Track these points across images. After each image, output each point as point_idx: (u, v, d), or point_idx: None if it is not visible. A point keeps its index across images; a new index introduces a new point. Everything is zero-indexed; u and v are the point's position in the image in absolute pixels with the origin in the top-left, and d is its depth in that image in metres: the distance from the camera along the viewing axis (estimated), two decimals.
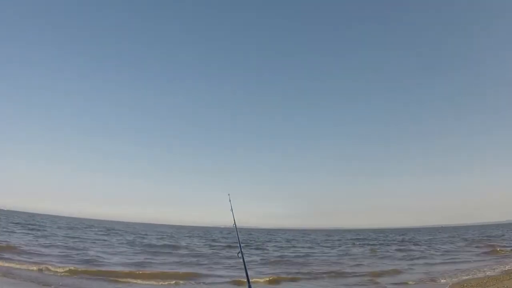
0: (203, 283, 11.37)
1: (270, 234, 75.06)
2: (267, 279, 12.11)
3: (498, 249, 23.13)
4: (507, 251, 21.98)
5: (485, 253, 21.90)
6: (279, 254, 22.85)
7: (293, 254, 22.53)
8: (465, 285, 10.37)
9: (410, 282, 11.58)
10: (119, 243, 25.77)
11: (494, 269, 14.23)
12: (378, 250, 25.74)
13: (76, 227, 50.22)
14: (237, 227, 4.30)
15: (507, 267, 14.75)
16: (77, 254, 16.59)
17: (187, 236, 46.57)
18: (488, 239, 37.71)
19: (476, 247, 27.28)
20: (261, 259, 18.78)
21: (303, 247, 30.53)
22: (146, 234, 44.97)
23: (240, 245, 4.14)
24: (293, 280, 12.37)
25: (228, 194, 4.77)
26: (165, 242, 30.12)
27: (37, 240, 22.10)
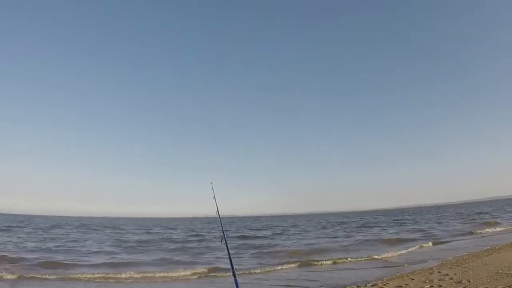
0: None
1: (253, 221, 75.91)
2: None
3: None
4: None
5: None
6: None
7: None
8: (444, 262, 10.78)
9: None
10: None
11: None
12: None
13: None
14: (220, 215, 4.33)
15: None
16: None
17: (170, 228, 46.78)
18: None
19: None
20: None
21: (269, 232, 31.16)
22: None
23: (223, 232, 4.17)
24: None
25: (211, 183, 4.78)
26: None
27: None
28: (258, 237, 27.65)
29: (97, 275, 10.74)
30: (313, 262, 13.08)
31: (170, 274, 11.01)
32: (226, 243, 3.99)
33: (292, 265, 12.63)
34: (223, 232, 4.15)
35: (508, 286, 6.55)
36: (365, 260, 13.27)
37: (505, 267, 8.64)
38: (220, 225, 4.32)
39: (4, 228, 37.18)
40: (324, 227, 39.01)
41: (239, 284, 3.38)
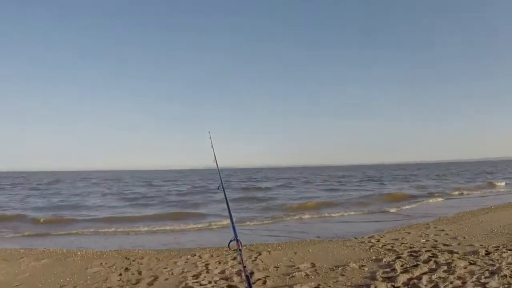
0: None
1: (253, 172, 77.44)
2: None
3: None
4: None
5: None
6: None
7: None
8: (441, 218, 10.96)
9: None
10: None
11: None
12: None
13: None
14: (218, 164, 4.29)
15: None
16: None
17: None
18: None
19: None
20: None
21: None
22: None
23: (221, 180, 4.15)
24: None
25: (209, 132, 4.67)
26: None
27: None
28: (261, 189, 28.30)
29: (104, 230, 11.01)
30: (314, 215, 13.40)
31: (175, 227, 11.25)
32: (224, 191, 3.99)
33: (294, 217, 12.95)
34: (220, 180, 4.12)
35: (501, 244, 6.65)
36: (366, 213, 13.61)
37: (500, 226, 8.77)
38: (218, 173, 4.30)
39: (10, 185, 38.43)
40: (326, 180, 39.72)
41: (236, 231, 3.39)
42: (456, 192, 21.72)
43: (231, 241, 3.34)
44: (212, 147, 4.57)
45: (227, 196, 3.96)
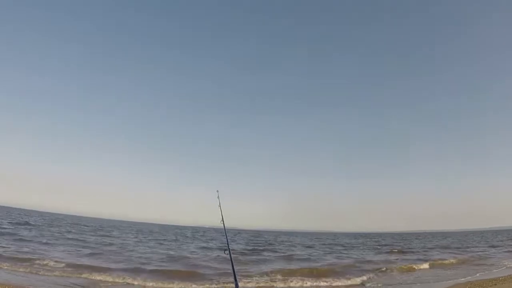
0: None
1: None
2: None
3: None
4: None
5: None
6: None
7: None
8: None
9: None
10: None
11: None
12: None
13: None
14: (225, 224, 4.15)
15: None
16: None
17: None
18: None
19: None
20: None
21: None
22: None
23: (227, 242, 3.99)
24: None
25: (217, 191, 4.62)
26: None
27: None
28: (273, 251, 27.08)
29: None
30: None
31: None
32: (230, 254, 3.82)
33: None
34: (227, 243, 3.96)
35: None
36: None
37: None
38: (225, 235, 4.14)
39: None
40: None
41: None
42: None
43: None
44: (220, 207, 4.48)
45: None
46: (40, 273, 10.99)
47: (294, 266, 16.85)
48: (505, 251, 29.86)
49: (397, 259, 22.36)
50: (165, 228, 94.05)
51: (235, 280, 3.40)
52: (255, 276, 12.85)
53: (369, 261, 20.09)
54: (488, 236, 75.25)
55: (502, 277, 13.33)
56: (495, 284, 11.10)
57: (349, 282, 12.25)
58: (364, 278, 13.35)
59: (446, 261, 20.37)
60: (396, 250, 30.92)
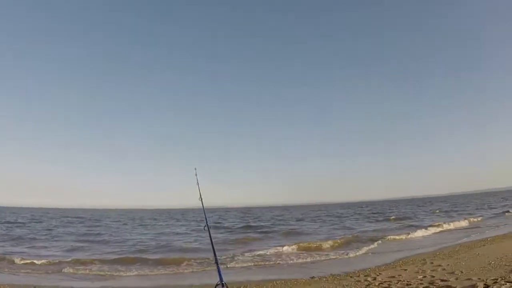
0: None
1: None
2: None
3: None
4: None
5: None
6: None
7: None
8: (437, 253, 10.73)
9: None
10: None
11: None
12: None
13: None
14: (203, 203, 4.17)
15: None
16: None
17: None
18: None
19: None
20: None
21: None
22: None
23: (206, 219, 4.01)
24: None
25: (195, 169, 4.61)
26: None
27: None
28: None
29: None
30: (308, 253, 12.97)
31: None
32: (209, 230, 3.84)
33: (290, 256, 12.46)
34: (206, 220, 3.98)
35: (500, 277, 6.47)
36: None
37: (497, 258, 8.60)
38: (204, 212, 4.17)
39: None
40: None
41: (222, 273, 3.21)
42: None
43: (217, 285, 3.13)
44: (198, 185, 4.49)
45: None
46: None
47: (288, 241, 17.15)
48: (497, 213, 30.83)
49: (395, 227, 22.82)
50: (157, 213, 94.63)
51: (215, 255, 3.42)
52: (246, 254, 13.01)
53: (365, 231, 20.53)
54: (483, 199, 76.82)
55: (490, 237, 13.75)
56: (484, 245, 11.42)
57: (352, 254, 12.48)
58: (364, 249, 13.58)
59: (442, 227, 20.79)
60: (393, 218, 31.60)
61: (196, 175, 4.54)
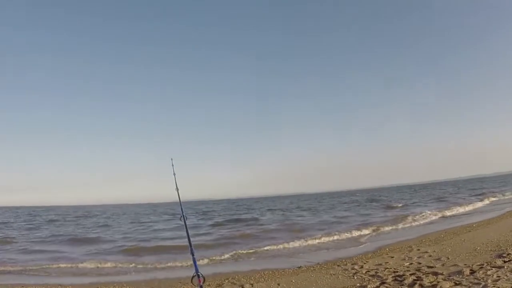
0: None
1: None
2: None
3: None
4: None
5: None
6: None
7: None
8: (423, 240, 10.79)
9: None
10: None
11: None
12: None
13: None
14: (179, 194, 4.01)
15: None
16: None
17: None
18: None
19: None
20: None
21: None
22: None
23: (182, 209, 3.84)
24: None
25: (171, 159, 4.43)
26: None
27: None
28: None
29: None
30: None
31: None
32: (185, 222, 3.68)
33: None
34: (181, 210, 3.81)
35: (486, 262, 6.49)
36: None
37: (482, 243, 8.66)
38: (179, 203, 4.00)
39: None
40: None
41: (197, 264, 3.08)
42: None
43: (193, 276, 3.00)
44: (174, 175, 4.31)
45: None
46: None
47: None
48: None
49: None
50: (141, 207, 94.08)
51: (190, 246, 3.26)
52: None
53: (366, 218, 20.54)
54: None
55: (476, 223, 13.92)
56: (470, 231, 11.53)
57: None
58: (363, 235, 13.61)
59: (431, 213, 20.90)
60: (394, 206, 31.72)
61: (172, 165, 4.37)
